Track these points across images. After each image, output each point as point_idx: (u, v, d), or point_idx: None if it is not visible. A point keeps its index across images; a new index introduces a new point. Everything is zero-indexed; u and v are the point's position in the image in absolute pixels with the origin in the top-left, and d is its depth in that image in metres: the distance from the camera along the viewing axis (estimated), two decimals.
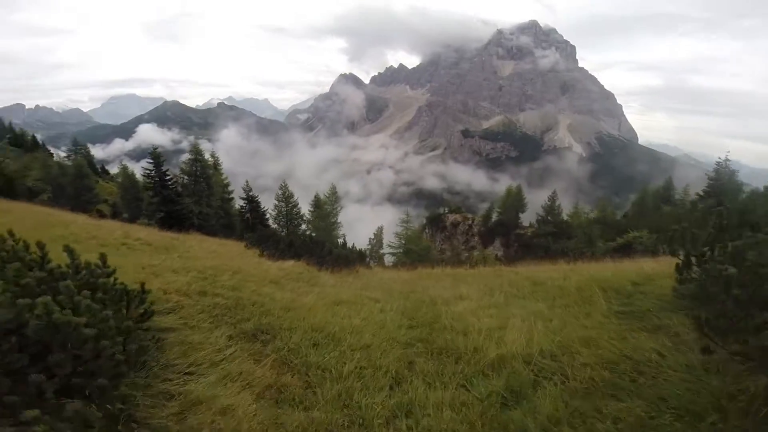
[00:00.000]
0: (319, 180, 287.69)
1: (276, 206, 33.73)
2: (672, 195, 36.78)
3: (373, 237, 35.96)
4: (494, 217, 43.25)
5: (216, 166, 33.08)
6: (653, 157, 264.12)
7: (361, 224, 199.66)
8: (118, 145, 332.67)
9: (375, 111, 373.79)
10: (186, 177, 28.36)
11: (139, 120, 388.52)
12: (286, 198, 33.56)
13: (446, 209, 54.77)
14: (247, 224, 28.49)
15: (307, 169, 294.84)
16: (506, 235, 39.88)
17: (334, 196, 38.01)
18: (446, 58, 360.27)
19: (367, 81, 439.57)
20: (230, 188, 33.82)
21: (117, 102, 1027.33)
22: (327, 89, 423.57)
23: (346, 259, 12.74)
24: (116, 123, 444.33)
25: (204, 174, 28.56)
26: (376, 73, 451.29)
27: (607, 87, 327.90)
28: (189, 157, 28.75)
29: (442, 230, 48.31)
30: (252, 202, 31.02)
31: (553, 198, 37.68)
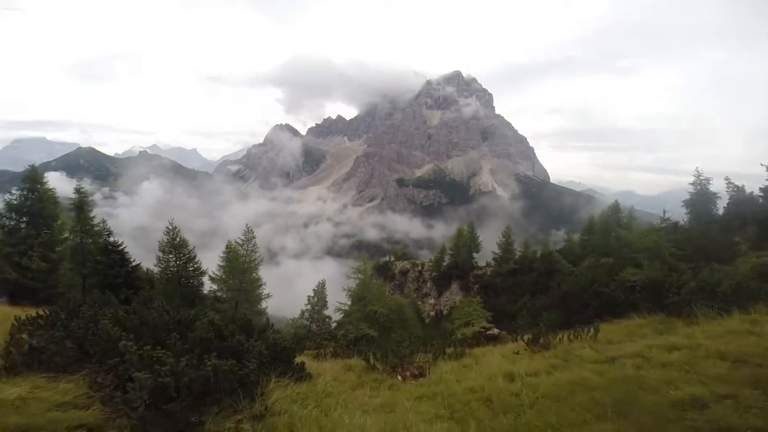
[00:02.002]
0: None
1: (161, 259, 24.88)
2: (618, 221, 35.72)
3: (312, 295, 28.68)
4: (446, 260, 40.51)
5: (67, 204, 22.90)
6: (564, 193, 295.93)
7: (301, 279, 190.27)
8: (11, 195, 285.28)
9: (312, 162, 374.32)
10: (10, 217, 20.05)
11: (45, 167, 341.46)
12: (175, 247, 24.64)
13: (392, 257, 52.36)
14: (105, 284, 19.29)
15: (237, 224, 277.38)
16: (463, 278, 37.34)
17: (250, 242, 29.07)
18: (382, 108, 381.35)
19: (303, 132, 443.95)
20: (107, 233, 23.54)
21: (20, 146, 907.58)
22: (261, 140, 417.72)
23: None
24: (16, 170, 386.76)
25: (39, 212, 20.32)
26: (314, 125, 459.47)
27: (520, 131, 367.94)
28: (18, 188, 20.72)
29: (391, 279, 45.75)
30: (113, 252, 21.46)
31: (507, 234, 36.41)
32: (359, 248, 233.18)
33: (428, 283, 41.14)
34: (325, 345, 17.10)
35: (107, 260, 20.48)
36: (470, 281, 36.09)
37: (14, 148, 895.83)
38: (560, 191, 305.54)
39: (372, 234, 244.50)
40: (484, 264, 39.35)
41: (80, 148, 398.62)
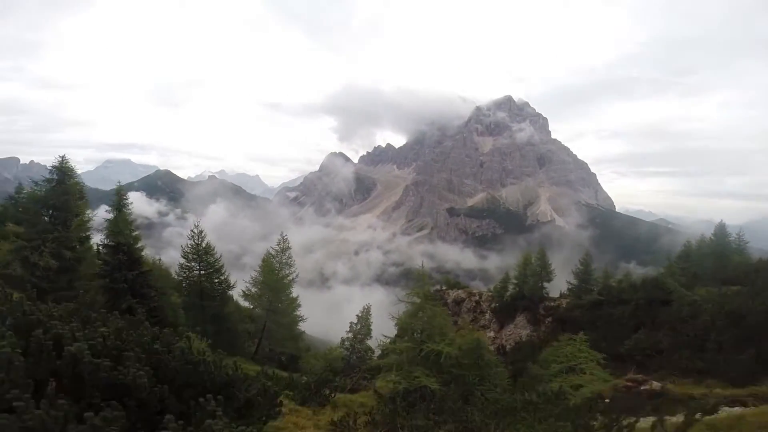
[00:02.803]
0: (304, 260, 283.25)
1: (183, 266, 20.85)
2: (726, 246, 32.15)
3: (356, 322, 25.14)
4: (510, 289, 36.06)
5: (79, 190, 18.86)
6: (633, 223, 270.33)
7: (350, 305, 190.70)
8: (102, 213, 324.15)
9: (363, 190, 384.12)
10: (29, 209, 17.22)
11: (130, 187, 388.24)
12: (199, 254, 19.94)
13: (443, 285, 47.75)
14: (107, 289, 16.57)
15: (293, 249, 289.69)
16: (531, 310, 32.76)
17: (285, 253, 25.21)
18: (430, 136, 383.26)
19: (356, 160, 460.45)
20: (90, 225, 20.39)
21: (111, 167, 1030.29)
22: (317, 167, 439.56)
23: None
24: (106, 189, 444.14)
25: (62, 206, 17.24)
26: (365, 153, 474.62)
27: (579, 157, 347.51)
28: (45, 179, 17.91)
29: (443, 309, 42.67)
30: (120, 251, 17.68)
31: (586, 262, 32.32)
32: (408, 277, 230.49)
33: (487, 315, 37.82)
34: (362, 387, 15.15)
35: (112, 261, 17.22)
36: (540, 314, 31.97)
37: (105, 168, 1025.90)
38: (628, 221, 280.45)
39: (421, 263, 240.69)
40: (557, 295, 34.85)
41: (159, 170, 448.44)
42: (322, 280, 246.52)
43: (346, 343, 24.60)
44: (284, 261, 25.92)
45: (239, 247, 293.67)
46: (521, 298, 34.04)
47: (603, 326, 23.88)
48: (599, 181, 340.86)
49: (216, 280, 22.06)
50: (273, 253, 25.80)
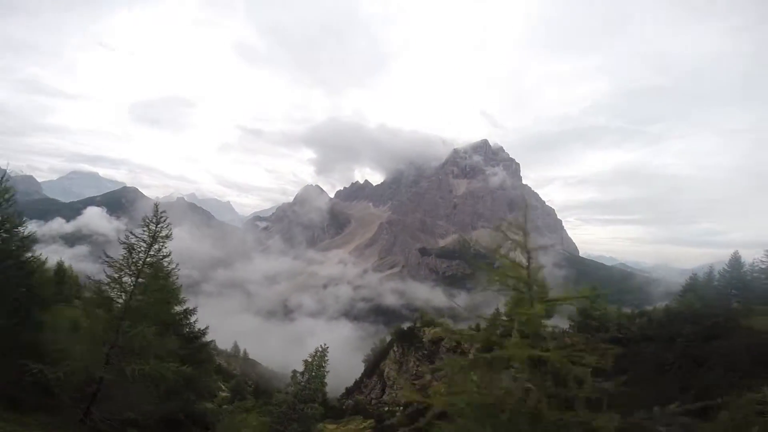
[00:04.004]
0: (269, 291, 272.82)
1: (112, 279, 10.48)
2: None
3: (310, 359, 18.99)
4: (501, 328, 31.93)
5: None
6: (596, 268, 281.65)
7: (314, 339, 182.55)
8: (56, 225, 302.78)
9: (337, 225, 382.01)
10: None
11: (91, 201, 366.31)
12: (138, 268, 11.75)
13: (416, 323, 43.60)
14: None
15: (257, 279, 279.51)
16: None
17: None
18: (408, 175, 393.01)
19: (332, 194, 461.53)
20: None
21: (75, 179, 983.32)
22: (291, 198, 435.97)
23: None
24: (65, 200, 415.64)
25: None
26: (342, 187, 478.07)
27: (547, 203, 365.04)
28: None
29: (417, 349, 38.02)
30: None
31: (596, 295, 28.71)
32: (377, 312, 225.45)
33: (470, 355, 34.52)
34: None
35: None
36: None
37: (69, 179, 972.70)
38: (592, 266, 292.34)
39: (391, 299, 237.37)
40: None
41: (125, 187, 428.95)
42: (285, 312, 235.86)
43: (290, 387, 18.06)
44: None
45: (199, 274, 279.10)
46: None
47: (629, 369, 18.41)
48: (564, 227, 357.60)
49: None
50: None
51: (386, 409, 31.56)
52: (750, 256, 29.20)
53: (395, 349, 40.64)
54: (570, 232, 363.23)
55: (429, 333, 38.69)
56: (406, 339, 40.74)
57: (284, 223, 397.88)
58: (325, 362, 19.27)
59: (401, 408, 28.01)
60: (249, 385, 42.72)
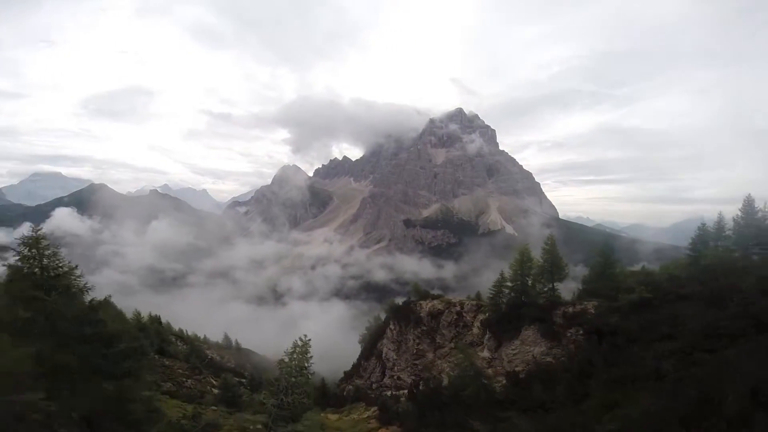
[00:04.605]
0: (257, 277, 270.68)
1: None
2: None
3: (293, 349, 16.14)
4: (505, 296, 27.82)
5: None
6: (575, 229, 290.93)
7: (308, 321, 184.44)
8: (26, 231, 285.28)
9: (319, 204, 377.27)
10: None
11: (59, 203, 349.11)
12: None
13: (410, 296, 41.45)
14: None
15: (243, 265, 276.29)
16: (544, 320, 23.90)
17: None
18: (387, 148, 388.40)
19: (311, 173, 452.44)
20: None
21: (38, 180, 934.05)
22: (269, 181, 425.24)
23: None
24: (31, 204, 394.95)
25: None
26: (320, 165, 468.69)
27: (525, 167, 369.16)
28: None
29: (416, 324, 35.35)
30: None
31: (605, 253, 26.39)
32: (368, 289, 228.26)
33: (474, 329, 29.58)
34: None
35: None
36: (558, 323, 23.29)
37: (32, 182, 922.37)
38: (573, 227, 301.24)
39: (380, 275, 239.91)
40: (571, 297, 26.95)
41: (93, 184, 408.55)
42: (276, 297, 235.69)
43: (276, 385, 15.39)
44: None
45: (185, 266, 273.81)
46: (524, 305, 26.04)
47: (657, 334, 16.31)
48: (543, 190, 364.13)
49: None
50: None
51: (389, 393, 31.16)
52: (728, 213, 26.64)
53: (392, 327, 38.98)
54: (548, 195, 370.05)
55: (426, 307, 36.10)
56: (402, 315, 38.76)
57: (264, 206, 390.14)
58: (308, 358, 16.03)
59: (405, 392, 27.66)
60: (244, 377, 42.32)
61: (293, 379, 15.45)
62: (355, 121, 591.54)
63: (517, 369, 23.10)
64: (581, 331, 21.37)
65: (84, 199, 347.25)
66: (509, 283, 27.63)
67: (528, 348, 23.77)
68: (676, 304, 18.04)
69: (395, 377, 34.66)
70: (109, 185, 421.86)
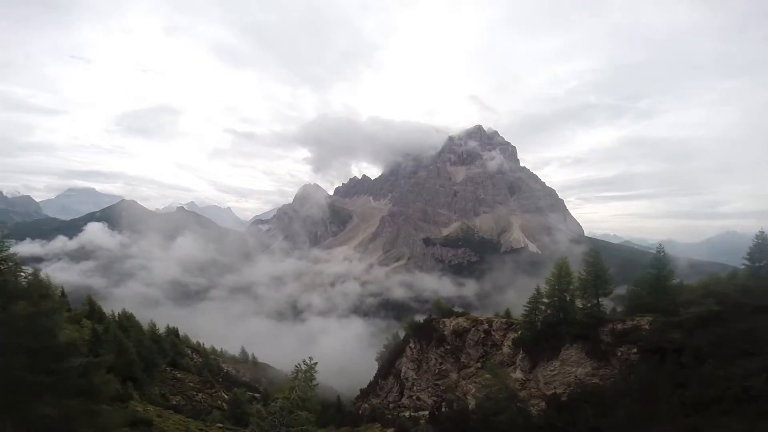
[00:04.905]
0: (277, 293, 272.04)
1: None
2: None
3: (297, 372, 13.72)
4: (541, 313, 25.65)
5: None
6: (603, 247, 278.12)
7: (326, 337, 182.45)
8: (60, 243, 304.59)
9: (339, 222, 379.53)
10: None
11: (90, 218, 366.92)
12: None
13: (432, 314, 39.16)
14: None
15: (265, 281, 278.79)
16: (588, 338, 21.55)
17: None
18: (405, 167, 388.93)
19: (331, 191, 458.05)
20: None
21: (73, 195, 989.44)
22: (290, 199, 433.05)
23: None
24: (65, 218, 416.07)
25: None
26: (340, 184, 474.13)
27: (547, 184, 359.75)
28: None
29: (439, 343, 33.32)
30: None
31: (661, 263, 23.18)
32: (386, 307, 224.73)
33: (504, 348, 27.45)
34: None
35: None
36: (606, 342, 20.87)
37: (67, 197, 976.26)
38: (600, 245, 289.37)
39: (399, 293, 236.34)
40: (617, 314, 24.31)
41: (123, 200, 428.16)
42: (295, 313, 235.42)
43: (276, 410, 12.59)
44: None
45: (208, 281, 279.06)
46: (562, 322, 23.85)
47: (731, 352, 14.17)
48: (566, 207, 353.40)
49: None
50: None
51: (407, 414, 29.08)
52: (754, 227, 23.97)
53: (411, 345, 37.12)
54: (572, 212, 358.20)
55: (450, 325, 33.81)
56: (424, 333, 36.83)
57: (286, 224, 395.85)
58: (312, 386, 13.32)
59: (425, 414, 25.56)
60: (258, 391, 41.09)
61: (292, 415, 12.37)
62: (373, 140, 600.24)
63: (556, 391, 20.90)
64: (635, 350, 19.11)
65: (115, 215, 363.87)
66: (545, 300, 25.42)
67: (569, 369, 21.53)
68: (750, 318, 15.99)
69: (414, 397, 32.54)
70: (138, 201, 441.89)
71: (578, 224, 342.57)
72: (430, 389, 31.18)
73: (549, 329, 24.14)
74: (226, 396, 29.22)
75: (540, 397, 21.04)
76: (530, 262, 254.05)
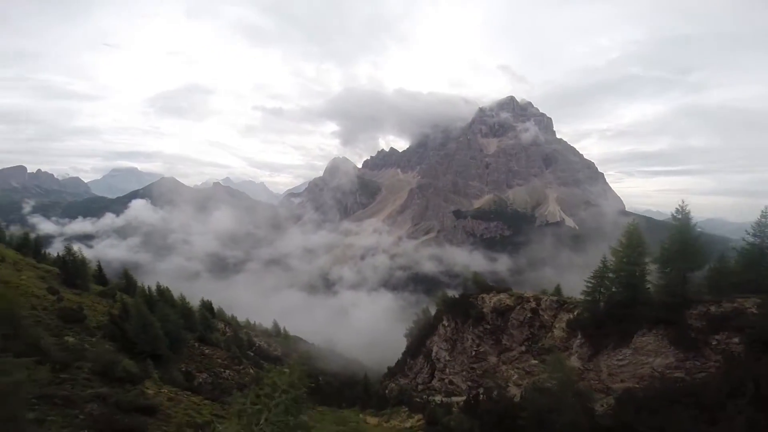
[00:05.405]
0: (310, 265, 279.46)
1: None
2: None
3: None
4: (601, 291, 21.68)
5: None
6: (653, 224, 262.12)
7: (357, 310, 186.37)
8: (108, 221, 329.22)
9: (368, 195, 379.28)
10: None
11: (134, 195, 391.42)
12: None
13: (465, 290, 35.85)
14: None
15: (298, 253, 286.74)
16: (672, 322, 17.79)
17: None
18: (434, 138, 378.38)
19: (360, 164, 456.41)
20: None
21: (117, 175, 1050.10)
22: (321, 173, 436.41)
23: None
24: (112, 196, 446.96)
25: None
26: (369, 157, 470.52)
27: (585, 156, 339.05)
28: None
29: (477, 322, 29.85)
30: None
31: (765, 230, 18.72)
32: (416, 281, 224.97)
33: (555, 331, 23.87)
34: None
35: None
36: (695, 327, 17.20)
37: (112, 176, 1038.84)
38: (643, 220, 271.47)
39: (429, 267, 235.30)
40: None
41: (163, 178, 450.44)
42: (327, 285, 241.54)
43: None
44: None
45: (244, 253, 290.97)
46: (636, 302, 19.47)
47: None
48: (606, 181, 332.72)
49: None
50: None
51: (438, 399, 27.30)
52: None
53: (445, 323, 34.26)
54: (613, 186, 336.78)
55: (490, 302, 29.89)
56: (459, 310, 33.33)
57: (316, 197, 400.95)
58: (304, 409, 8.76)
59: (459, 401, 23.75)
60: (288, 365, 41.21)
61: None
62: (400, 113, 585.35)
63: (625, 384, 17.71)
64: (736, 339, 15.56)
65: (156, 192, 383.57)
66: (612, 274, 20.99)
67: (644, 358, 17.95)
68: None
69: (446, 381, 30.89)
70: (177, 178, 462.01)
71: (619, 198, 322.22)
72: (464, 373, 29.22)
73: (617, 310, 19.94)
74: (253, 372, 29.02)
75: (602, 390, 18.01)
76: (570, 236, 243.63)
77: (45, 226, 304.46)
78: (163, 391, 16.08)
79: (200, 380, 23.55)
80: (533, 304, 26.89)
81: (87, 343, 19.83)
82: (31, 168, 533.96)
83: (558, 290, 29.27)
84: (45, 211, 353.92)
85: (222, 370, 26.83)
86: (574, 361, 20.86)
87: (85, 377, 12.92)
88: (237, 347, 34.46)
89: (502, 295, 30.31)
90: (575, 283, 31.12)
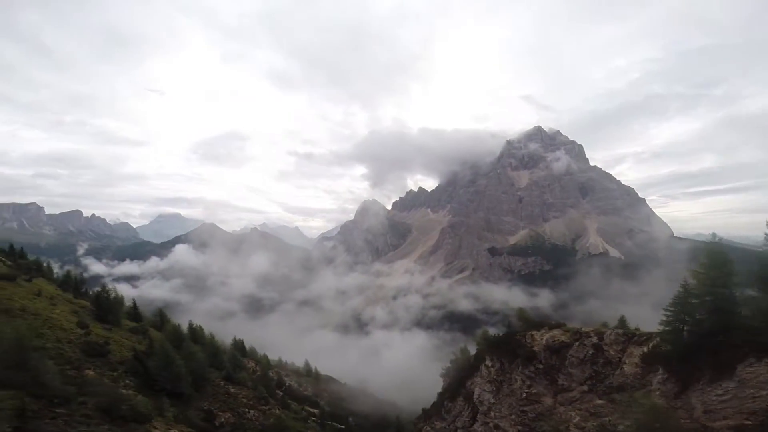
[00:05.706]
0: (343, 306, 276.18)
1: None
2: None
3: None
4: (691, 318, 18.62)
5: None
6: (700, 247, 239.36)
7: (389, 350, 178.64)
8: (153, 263, 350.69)
9: (398, 236, 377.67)
10: None
11: (177, 240, 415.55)
12: None
13: (511, 327, 32.71)
14: None
15: (331, 295, 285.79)
16: None
17: None
18: (463, 176, 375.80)
19: (389, 206, 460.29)
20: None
21: (162, 221, 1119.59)
22: (352, 216, 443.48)
23: None
24: (158, 241, 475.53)
25: None
26: (398, 198, 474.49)
27: (623, 182, 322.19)
28: None
29: (528, 361, 27.23)
30: None
31: None
32: (451, 319, 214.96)
33: (626, 367, 21.31)
34: None
35: None
36: None
37: (158, 222, 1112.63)
38: (697, 246, 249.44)
39: (464, 305, 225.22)
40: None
41: (204, 224, 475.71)
42: (360, 326, 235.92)
43: None
44: None
45: (279, 294, 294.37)
46: (730, 328, 16.90)
47: None
48: (649, 205, 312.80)
49: None
50: None
51: None
52: None
53: (488, 363, 31.26)
54: (657, 211, 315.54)
55: (542, 339, 27.34)
56: (504, 350, 30.69)
57: (348, 240, 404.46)
58: None
59: None
60: (318, 406, 38.53)
61: None
62: (426, 152, 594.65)
63: (728, 422, 15.02)
64: None
65: (197, 237, 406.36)
66: (695, 300, 18.37)
67: (754, 392, 15.33)
68: None
69: (491, 425, 27.11)
70: (217, 224, 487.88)
71: (665, 224, 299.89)
72: (513, 416, 25.50)
73: (707, 339, 17.39)
74: (278, 412, 26.94)
75: (696, 430, 15.21)
76: (619, 266, 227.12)
77: (96, 267, 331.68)
78: (172, 431, 14.66)
79: (222, 420, 21.90)
80: (595, 339, 24.04)
81: (107, 377, 19.08)
82: (86, 212, 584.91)
83: (623, 322, 25.65)
84: (97, 253, 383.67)
85: (246, 410, 25.04)
86: (660, 398, 17.78)
87: (85, 414, 11.80)
88: (264, 386, 32.64)
89: (555, 331, 27.41)
90: (632, 314, 28.27)
